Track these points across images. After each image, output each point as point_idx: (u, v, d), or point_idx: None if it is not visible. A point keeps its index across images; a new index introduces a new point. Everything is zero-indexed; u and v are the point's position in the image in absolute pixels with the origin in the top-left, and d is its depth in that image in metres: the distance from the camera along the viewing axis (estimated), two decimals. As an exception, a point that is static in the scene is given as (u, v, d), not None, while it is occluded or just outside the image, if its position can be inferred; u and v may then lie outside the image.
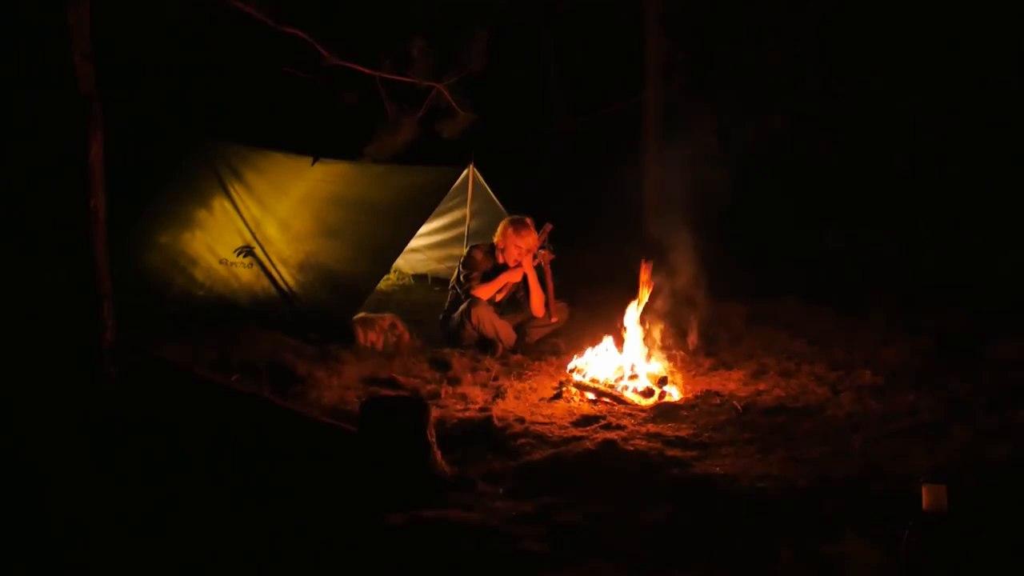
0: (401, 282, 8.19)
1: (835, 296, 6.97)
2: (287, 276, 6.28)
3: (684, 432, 4.25)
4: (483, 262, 5.98)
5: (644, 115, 8.67)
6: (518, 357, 5.67)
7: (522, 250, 5.91)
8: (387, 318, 5.96)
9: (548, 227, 6.00)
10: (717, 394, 4.83)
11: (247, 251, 6.52)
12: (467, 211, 7.55)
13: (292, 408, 3.88)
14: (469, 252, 6.07)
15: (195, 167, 7.18)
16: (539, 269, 5.98)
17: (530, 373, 5.36)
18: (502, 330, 5.81)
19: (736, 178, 7.82)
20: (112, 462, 3.50)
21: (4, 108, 3.90)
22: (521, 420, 4.34)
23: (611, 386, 4.84)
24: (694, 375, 5.30)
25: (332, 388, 4.78)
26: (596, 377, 4.95)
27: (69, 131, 3.85)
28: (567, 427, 4.32)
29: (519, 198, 7.18)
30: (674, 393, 4.88)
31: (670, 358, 5.36)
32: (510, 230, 5.94)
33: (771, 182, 9.35)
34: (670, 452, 3.93)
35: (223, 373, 4.59)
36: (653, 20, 8.44)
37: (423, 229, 7.14)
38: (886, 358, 5.38)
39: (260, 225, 6.61)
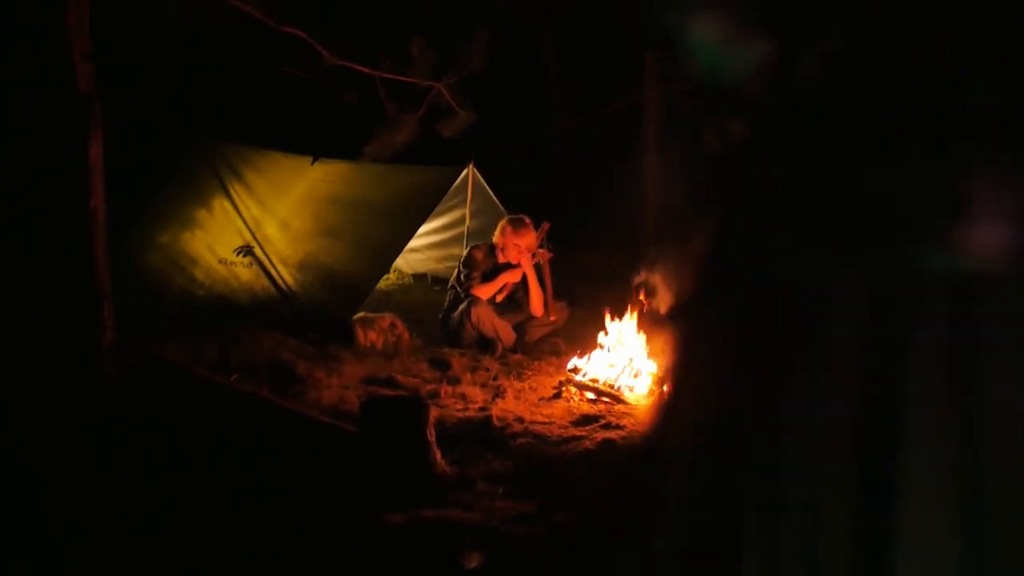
0: (401, 282, 8.19)
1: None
2: (287, 276, 6.28)
3: (684, 432, 4.24)
4: (483, 262, 5.98)
5: (644, 115, 8.67)
6: (518, 357, 5.67)
7: (521, 249, 5.91)
8: (387, 318, 5.96)
9: (546, 226, 6.00)
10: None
11: (247, 251, 6.52)
12: (467, 211, 7.54)
13: (292, 408, 3.88)
14: (469, 252, 6.07)
15: (195, 167, 7.18)
16: (538, 268, 5.98)
17: (530, 373, 5.36)
18: (502, 330, 5.81)
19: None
20: (112, 462, 3.50)
21: (4, 108, 3.90)
22: (521, 420, 4.34)
23: (611, 386, 4.84)
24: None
25: (332, 388, 4.77)
26: (596, 377, 4.95)
27: (69, 131, 3.84)
28: (567, 427, 4.31)
29: (519, 198, 7.17)
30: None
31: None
32: (509, 229, 5.95)
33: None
34: (670, 452, 3.92)
35: (223, 373, 4.59)
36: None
37: (423, 229, 7.13)
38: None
39: (260, 225, 6.62)
